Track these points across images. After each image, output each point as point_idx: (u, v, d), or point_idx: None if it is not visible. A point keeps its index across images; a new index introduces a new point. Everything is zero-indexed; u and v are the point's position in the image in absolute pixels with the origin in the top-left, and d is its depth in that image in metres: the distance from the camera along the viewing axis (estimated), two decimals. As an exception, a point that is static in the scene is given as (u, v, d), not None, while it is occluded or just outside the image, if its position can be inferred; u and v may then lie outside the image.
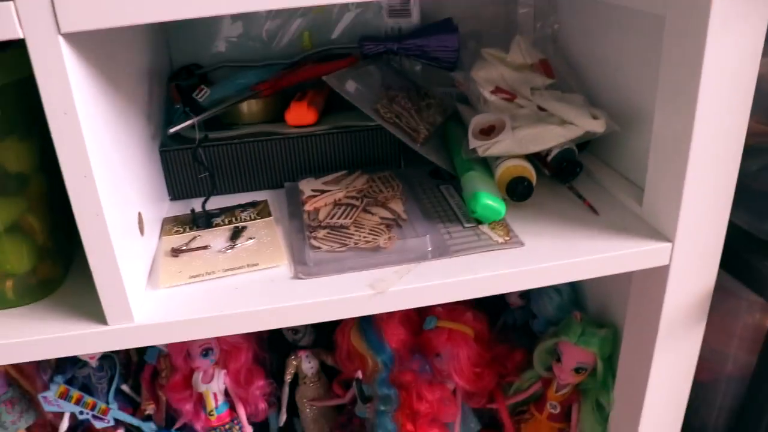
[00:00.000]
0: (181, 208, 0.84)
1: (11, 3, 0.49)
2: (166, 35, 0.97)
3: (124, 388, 0.91)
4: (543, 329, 0.94)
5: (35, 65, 0.51)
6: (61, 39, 0.51)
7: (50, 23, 0.50)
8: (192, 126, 0.80)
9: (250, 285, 0.66)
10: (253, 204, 0.81)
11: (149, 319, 0.62)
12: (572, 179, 0.82)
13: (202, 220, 0.77)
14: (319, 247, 0.69)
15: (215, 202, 0.82)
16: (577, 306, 0.92)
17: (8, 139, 0.63)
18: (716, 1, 0.58)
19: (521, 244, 0.70)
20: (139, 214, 0.69)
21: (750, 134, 0.67)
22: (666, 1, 0.65)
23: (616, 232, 0.72)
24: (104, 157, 0.58)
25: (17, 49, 0.51)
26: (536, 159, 0.82)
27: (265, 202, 0.82)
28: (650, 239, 0.70)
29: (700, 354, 0.78)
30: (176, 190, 0.85)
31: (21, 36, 0.50)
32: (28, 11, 0.50)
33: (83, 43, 0.55)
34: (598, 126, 0.76)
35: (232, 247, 0.71)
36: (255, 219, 0.77)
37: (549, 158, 0.81)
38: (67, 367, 0.87)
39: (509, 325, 1.02)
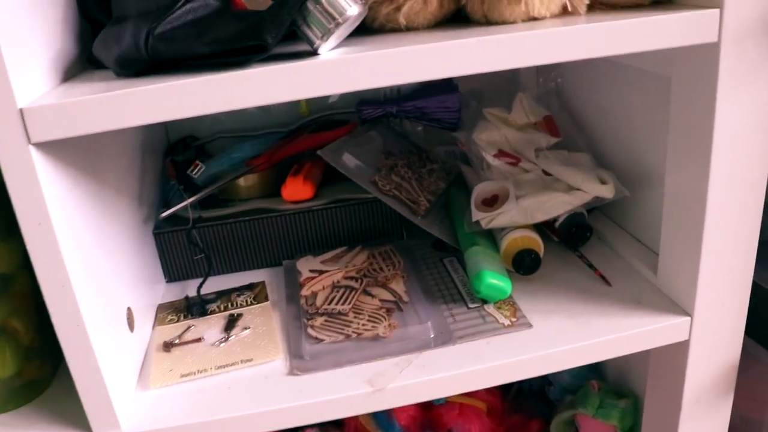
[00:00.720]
0: (178, 290, 0.81)
1: (-20, 116, 0.47)
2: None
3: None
4: (560, 397, 0.90)
5: (6, 177, 0.49)
6: (32, 149, 0.49)
7: (20, 134, 0.48)
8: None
9: (243, 383, 0.63)
10: (249, 287, 0.78)
11: (136, 426, 0.59)
12: (582, 245, 0.79)
13: (196, 308, 0.74)
14: (316, 338, 0.65)
15: (212, 284, 0.80)
16: (595, 373, 0.88)
17: (-10, 241, 0.61)
18: (724, 60, 0.56)
19: (529, 325, 0.66)
20: (129, 309, 0.66)
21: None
22: (671, 61, 0.62)
23: (630, 307, 0.68)
24: (85, 262, 0.56)
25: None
26: (543, 225, 0.78)
27: (262, 284, 0.79)
28: (667, 313, 0.66)
29: (731, 422, 0.74)
30: (172, 272, 0.83)
31: (-10, 149, 0.48)
32: (-2, 123, 0.48)
33: (59, 148, 0.52)
34: (606, 192, 0.73)
35: (226, 339, 0.68)
36: (251, 304, 0.74)
37: (557, 224, 0.78)
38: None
39: (525, 390, 0.98)
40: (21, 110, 0.47)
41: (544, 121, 0.87)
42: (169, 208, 0.80)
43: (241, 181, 0.87)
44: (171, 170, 0.89)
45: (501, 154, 0.82)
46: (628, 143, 0.78)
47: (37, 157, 0.49)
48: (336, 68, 0.49)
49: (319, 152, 0.78)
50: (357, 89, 0.50)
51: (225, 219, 0.81)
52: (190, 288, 0.80)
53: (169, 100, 0.48)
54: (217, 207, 0.85)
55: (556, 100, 0.92)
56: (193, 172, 0.85)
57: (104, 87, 0.50)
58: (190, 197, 0.82)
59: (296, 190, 0.82)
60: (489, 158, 0.82)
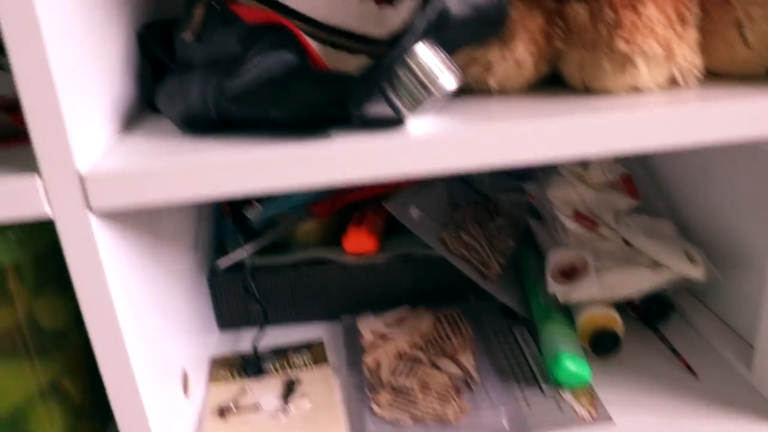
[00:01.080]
0: (231, 339, 0.77)
1: (38, 180, 0.44)
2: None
3: None
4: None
5: (65, 246, 0.46)
6: (92, 217, 0.45)
7: (80, 201, 0.44)
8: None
9: (300, 463, 0.59)
10: (307, 346, 0.74)
11: (187, 507, 0.55)
12: (662, 322, 0.73)
13: (251, 367, 0.70)
14: (381, 418, 0.61)
15: (267, 336, 0.76)
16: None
17: (44, 295, 0.58)
18: None
19: (609, 419, 0.60)
20: (185, 374, 0.62)
21: None
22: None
23: (721, 407, 0.61)
24: (141, 324, 0.52)
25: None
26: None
27: (320, 344, 0.74)
28: (765, 419, 0.60)
29: None
30: (226, 319, 0.79)
31: (50, 216, 0.45)
32: (58, 189, 0.44)
33: (121, 213, 0.49)
34: (696, 273, 0.67)
35: (285, 409, 0.64)
36: (309, 366, 0.70)
37: (636, 299, 0.72)
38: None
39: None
40: (81, 176, 0.44)
41: (622, 180, 0.81)
42: (225, 254, 0.77)
43: (300, 226, 0.83)
44: (226, 208, 0.86)
45: (578, 216, 0.77)
46: (718, 215, 0.71)
47: (97, 226, 0.46)
48: (430, 149, 0.45)
49: (385, 205, 0.74)
50: (451, 172, 0.46)
51: (283, 268, 0.77)
52: (244, 338, 0.77)
53: (246, 175, 0.44)
54: (274, 253, 0.81)
55: (635, 157, 0.86)
56: (250, 214, 0.81)
57: (170, 148, 0.47)
58: (246, 240, 0.78)
59: (360, 242, 0.78)
60: (565, 220, 0.76)
